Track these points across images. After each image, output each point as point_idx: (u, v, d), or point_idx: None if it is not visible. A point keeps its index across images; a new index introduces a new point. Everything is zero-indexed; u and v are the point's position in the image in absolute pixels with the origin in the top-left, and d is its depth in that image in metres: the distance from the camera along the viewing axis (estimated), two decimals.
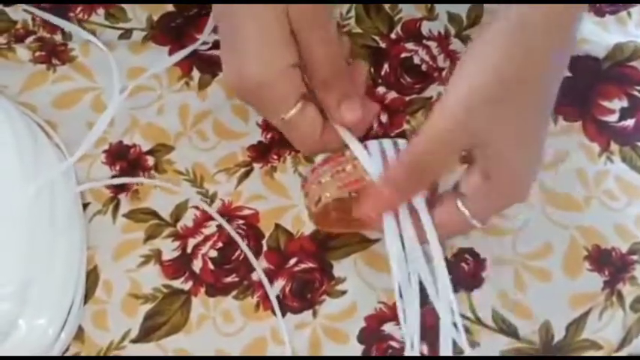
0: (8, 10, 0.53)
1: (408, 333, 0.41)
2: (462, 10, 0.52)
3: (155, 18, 0.53)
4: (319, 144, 0.43)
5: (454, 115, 0.38)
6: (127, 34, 0.53)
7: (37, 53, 0.52)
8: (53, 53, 0.52)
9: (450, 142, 0.38)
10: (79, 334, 0.46)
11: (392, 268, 0.40)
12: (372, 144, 0.42)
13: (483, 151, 0.39)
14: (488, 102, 0.37)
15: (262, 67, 0.40)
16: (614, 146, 0.48)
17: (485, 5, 0.52)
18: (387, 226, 0.41)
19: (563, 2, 0.37)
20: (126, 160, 0.49)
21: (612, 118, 0.49)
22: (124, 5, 0.53)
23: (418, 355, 0.41)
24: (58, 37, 0.53)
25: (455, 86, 0.39)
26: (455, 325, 0.40)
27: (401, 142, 0.43)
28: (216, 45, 0.52)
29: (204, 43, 0.52)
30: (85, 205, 0.49)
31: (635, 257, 0.46)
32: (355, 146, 0.42)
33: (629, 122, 0.49)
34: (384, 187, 0.40)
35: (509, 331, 0.45)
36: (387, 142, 0.42)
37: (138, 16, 0.53)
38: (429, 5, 0.52)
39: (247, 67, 0.40)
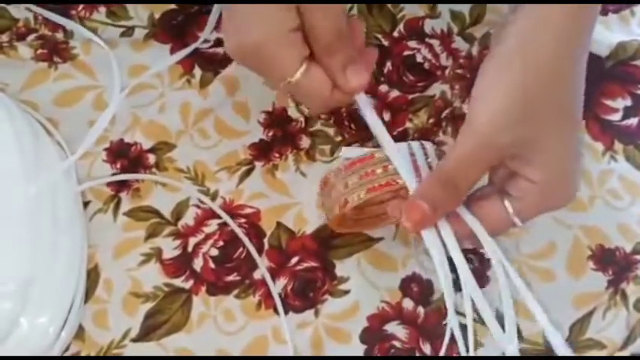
0: (10, 8, 0.53)
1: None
2: (464, 8, 0.52)
3: (157, 16, 0.53)
4: (330, 101, 0.42)
5: (481, 134, 0.38)
6: (128, 31, 0.52)
7: (39, 51, 0.52)
8: (55, 51, 0.52)
9: (479, 161, 0.39)
10: (80, 333, 0.46)
11: (438, 274, 0.40)
12: (402, 146, 0.42)
13: (521, 165, 0.39)
14: (513, 117, 0.37)
15: (262, 31, 0.39)
16: (617, 145, 0.48)
17: (489, 5, 0.52)
18: (428, 236, 0.41)
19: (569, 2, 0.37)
20: (127, 158, 0.49)
21: (616, 117, 0.49)
22: (125, 3, 0.53)
23: None
24: (60, 35, 0.52)
25: (479, 102, 0.39)
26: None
27: (428, 145, 0.43)
28: (217, 43, 0.52)
29: (206, 41, 0.52)
30: (86, 204, 0.48)
31: (639, 257, 0.45)
32: (390, 149, 0.41)
33: (633, 121, 0.49)
34: (423, 202, 0.40)
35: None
36: (415, 145, 0.42)
37: (139, 14, 0.53)
38: (432, 3, 0.52)
39: (247, 32, 0.39)
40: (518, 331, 0.44)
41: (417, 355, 0.45)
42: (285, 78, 0.40)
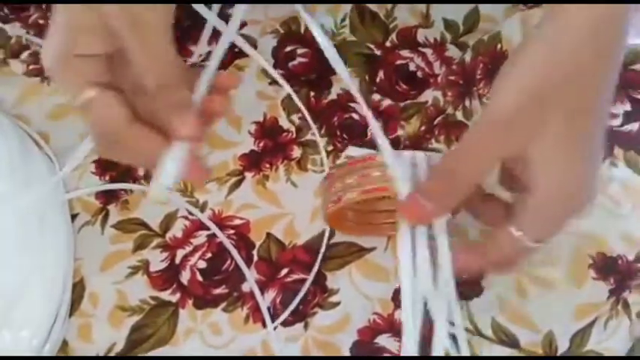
0: (6, 26, 0.53)
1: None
2: (458, 17, 0.51)
3: None
4: (128, 144, 0.36)
5: (487, 123, 0.36)
6: None
7: (31, 67, 0.52)
8: None
9: (482, 152, 0.37)
10: (64, 347, 0.45)
11: (402, 285, 0.38)
12: (405, 155, 0.41)
13: (525, 163, 0.37)
14: (526, 112, 0.36)
15: (48, 53, 0.36)
16: (618, 151, 0.46)
17: (482, 12, 0.51)
18: (401, 242, 0.39)
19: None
20: (115, 170, 0.49)
21: (615, 122, 0.47)
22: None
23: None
24: None
25: (494, 96, 0.37)
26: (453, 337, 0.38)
27: (435, 156, 0.41)
28: (209, 56, 0.52)
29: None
30: (74, 216, 0.48)
31: None
32: (386, 154, 0.40)
33: (633, 126, 0.47)
34: (420, 198, 0.38)
35: (510, 341, 0.42)
36: (420, 156, 0.41)
37: None
38: (425, 12, 0.51)
39: (43, 51, 0.37)
40: (516, 342, 0.43)
41: None
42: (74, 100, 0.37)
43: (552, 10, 0.38)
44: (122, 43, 0.36)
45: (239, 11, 0.40)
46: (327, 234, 0.46)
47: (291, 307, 0.44)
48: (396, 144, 0.48)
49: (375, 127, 0.40)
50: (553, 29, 0.37)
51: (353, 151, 0.44)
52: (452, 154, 0.38)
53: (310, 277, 0.45)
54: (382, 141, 0.40)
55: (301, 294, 0.45)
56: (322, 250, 0.46)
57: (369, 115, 0.40)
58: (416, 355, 0.38)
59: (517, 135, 0.36)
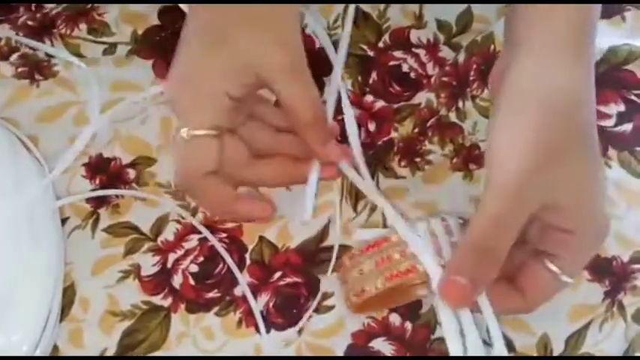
0: None
1: None
2: (451, 17, 0.51)
3: (140, 32, 0.52)
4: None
5: (507, 194, 0.36)
6: (111, 48, 0.52)
7: (20, 69, 0.51)
8: (36, 68, 0.51)
9: (510, 222, 0.36)
10: (54, 353, 0.44)
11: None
12: (420, 227, 0.40)
13: (552, 214, 0.37)
14: (537, 168, 0.35)
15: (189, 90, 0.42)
16: (611, 152, 0.46)
17: (475, 12, 0.51)
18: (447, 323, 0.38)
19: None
20: (106, 173, 0.48)
21: (609, 122, 0.47)
22: (107, 20, 0.52)
23: None
24: (42, 54, 0.52)
25: (499, 157, 0.36)
26: None
27: (451, 221, 0.40)
28: None
29: None
30: (64, 220, 0.47)
31: (637, 266, 0.43)
32: (402, 230, 0.40)
33: (627, 127, 0.47)
34: (460, 277, 0.37)
35: (505, 344, 0.42)
36: (435, 223, 0.40)
37: (122, 30, 0.52)
38: (418, 13, 0.51)
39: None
40: (511, 345, 0.42)
41: None
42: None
43: (519, 37, 0.38)
44: (280, 96, 0.42)
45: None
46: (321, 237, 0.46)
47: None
48: (390, 146, 0.47)
49: (389, 211, 0.43)
50: (531, 65, 0.37)
51: (362, 233, 0.43)
52: (480, 227, 0.37)
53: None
54: (394, 220, 0.41)
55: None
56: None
57: (369, 182, 0.45)
58: None
59: (533, 194, 0.36)
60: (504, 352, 0.38)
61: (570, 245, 0.37)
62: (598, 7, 0.40)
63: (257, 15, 0.42)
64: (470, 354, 0.38)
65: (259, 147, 0.45)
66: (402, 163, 0.47)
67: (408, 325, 0.44)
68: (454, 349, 0.38)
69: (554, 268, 0.38)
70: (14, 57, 0.52)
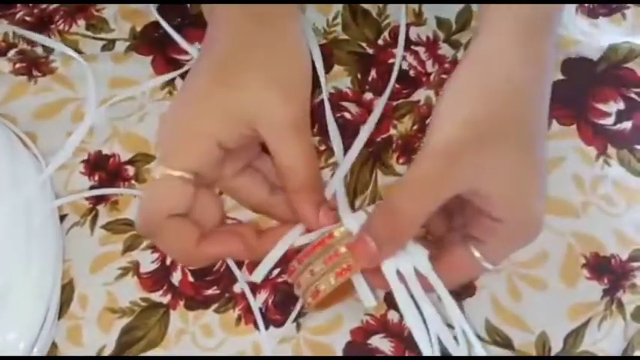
0: None
1: None
2: (450, 14, 0.51)
3: (138, 28, 0.52)
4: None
5: (433, 162, 0.36)
6: (109, 45, 0.52)
7: (18, 65, 0.51)
8: (34, 65, 0.51)
9: (428, 192, 0.36)
10: (53, 350, 0.44)
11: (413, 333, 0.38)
12: (361, 214, 0.39)
13: (482, 201, 0.37)
14: (468, 149, 0.36)
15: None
16: (611, 150, 0.46)
17: (475, 10, 0.51)
18: (397, 292, 0.38)
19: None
20: (105, 170, 0.48)
21: (608, 120, 0.47)
22: (106, 16, 0.52)
23: None
24: (40, 50, 0.52)
25: (436, 129, 0.37)
26: None
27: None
28: None
29: (188, 53, 0.51)
30: (63, 217, 0.47)
31: (636, 264, 0.43)
32: (345, 216, 0.40)
33: (626, 125, 0.47)
34: (366, 236, 0.37)
35: (504, 342, 0.42)
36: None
37: (121, 26, 0.52)
38: (417, 10, 0.51)
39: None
40: (510, 343, 0.42)
41: None
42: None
43: (479, 28, 0.39)
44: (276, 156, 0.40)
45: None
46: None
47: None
48: (389, 143, 0.47)
49: (341, 199, 0.42)
50: (482, 51, 0.38)
51: (302, 239, 0.42)
52: (399, 188, 0.37)
53: None
54: (342, 207, 0.41)
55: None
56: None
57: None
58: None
59: (463, 170, 0.36)
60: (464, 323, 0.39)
61: (497, 233, 0.37)
62: (560, 6, 0.40)
63: (270, 58, 0.40)
64: (430, 328, 0.38)
65: (252, 203, 0.43)
66: (401, 161, 0.47)
67: None
68: (409, 319, 0.38)
69: (476, 253, 0.38)
70: (12, 53, 0.52)
